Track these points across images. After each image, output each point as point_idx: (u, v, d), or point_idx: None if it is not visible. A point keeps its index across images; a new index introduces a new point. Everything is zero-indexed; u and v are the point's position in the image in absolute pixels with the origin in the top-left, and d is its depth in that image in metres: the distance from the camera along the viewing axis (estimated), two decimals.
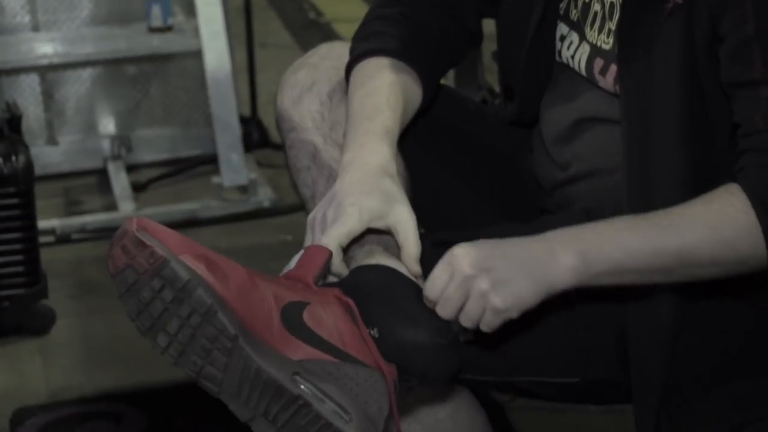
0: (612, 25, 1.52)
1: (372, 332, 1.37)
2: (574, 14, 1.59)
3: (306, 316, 1.34)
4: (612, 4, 1.52)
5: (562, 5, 1.61)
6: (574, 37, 1.60)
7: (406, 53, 1.59)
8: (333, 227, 1.43)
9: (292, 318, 1.34)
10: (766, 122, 1.37)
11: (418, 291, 1.41)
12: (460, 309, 1.36)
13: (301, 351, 1.32)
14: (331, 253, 1.42)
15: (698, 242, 1.36)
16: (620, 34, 1.48)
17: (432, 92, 1.65)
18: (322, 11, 4.72)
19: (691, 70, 1.42)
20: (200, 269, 1.29)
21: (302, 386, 1.30)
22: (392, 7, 1.65)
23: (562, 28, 1.62)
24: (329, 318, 1.35)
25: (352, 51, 1.62)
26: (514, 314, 1.37)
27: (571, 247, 1.36)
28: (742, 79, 1.39)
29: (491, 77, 3.12)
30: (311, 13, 4.71)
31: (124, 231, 1.30)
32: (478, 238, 1.42)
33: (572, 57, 1.60)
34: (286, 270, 1.43)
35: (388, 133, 1.52)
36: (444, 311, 1.37)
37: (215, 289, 1.29)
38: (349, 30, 4.41)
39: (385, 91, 1.55)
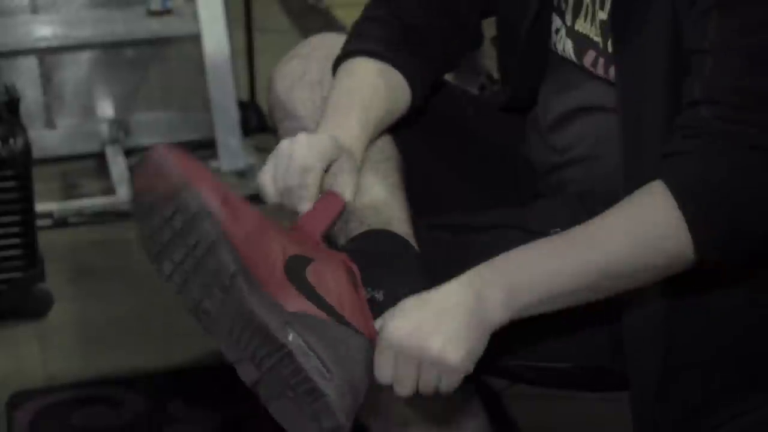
0: (603, 14, 1.52)
1: (377, 295, 1.38)
2: (565, 6, 1.60)
3: (309, 271, 1.35)
4: None
5: None
6: (564, 30, 1.60)
7: (389, 54, 1.60)
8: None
9: (296, 271, 1.34)
10: (704, 92, 1.34)
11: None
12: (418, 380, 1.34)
13: (298, 303, 1.32)
14: (345, 205, 1.44)
15: (621, 253, 1.33)
16: (613, 23, 1.49)
17: (424, 91, 1.64)
18: None
19: (679, 54, 1.41)
20: (214, 204, 1.30)
21: (290, 336, 1.30)
22: (381, 8, 1.65)
23: (557, 21, 1.62)
24: (332, 280, 1.36)
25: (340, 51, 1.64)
26: (470, 367, 1.35)
27: (497, 284, 1.33)
28: (695, 46, 1.37)
29: (490, 63, 3.11)
30: None
31: (151, 154, 1.33)
32: (475, 222, 1.42)
33: (564, 49, 1.61)
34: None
35: (360, 128, 1.53)
36: (403, 390, 1.35)
37: (225, 225, 1.30)
38: (348, 15, 4.43)
39: (364, 91, 1.56)
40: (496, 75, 2.80)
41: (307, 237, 1.40)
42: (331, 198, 1.44)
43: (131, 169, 1.38)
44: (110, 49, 3.29)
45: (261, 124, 3.44)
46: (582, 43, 1.57)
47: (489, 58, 3.12)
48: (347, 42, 1.64)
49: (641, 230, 1.33)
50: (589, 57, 1.56)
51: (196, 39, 3.21)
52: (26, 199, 2.48)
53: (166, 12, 3.22)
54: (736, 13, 1.34)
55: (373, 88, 1.56)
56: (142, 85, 3.34)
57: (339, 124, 1.51)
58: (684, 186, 1.32)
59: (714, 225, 1.33)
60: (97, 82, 3.31)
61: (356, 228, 1.48)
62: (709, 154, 1.33)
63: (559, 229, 1.47)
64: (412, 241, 1.48)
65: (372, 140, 1.55)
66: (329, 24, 4.39)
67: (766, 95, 1.33)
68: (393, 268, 1.41)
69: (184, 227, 1.30)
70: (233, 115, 3.17)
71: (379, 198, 1.52)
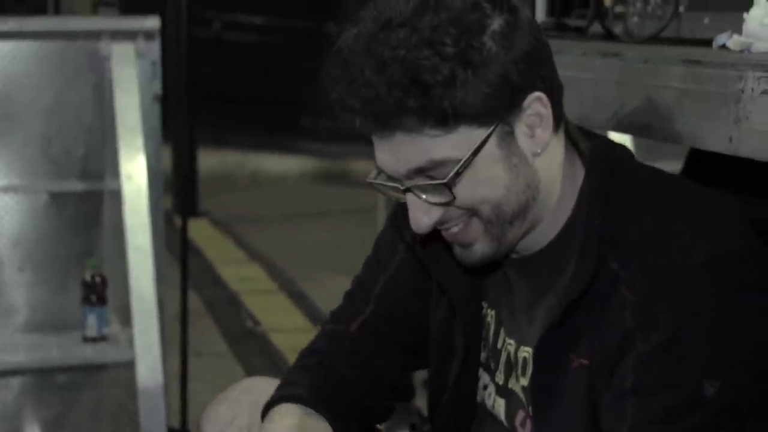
0: (525, 381, 1.55)
1: None
2: (493, 365, 1.63)
3: None
4: (525, 360, 1.56)
5: (483, 355, 1.64)
6: (493, 388, 1.62)
7: (314, 400, 1.62)
8: None
9: None
10: None
11: None
12: None
13: None
14: None
15: None
16: (533, 388, 1.52)
17: None
18: (259, 320, 4.76)
19: (595, 424, 1.44)
20: None
21: None
22: (313, 357, 1.69)
23: (485, 377, 1.64)
24: None
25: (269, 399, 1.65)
26: None
27: None
28: (612, 429, 1.40)
29: (421, 402, 3.12)
30: (248, 321, 4.74)
31: None
32: None
33: (493, 407, 1.62)
34: None
35: None
36: None
37: None
38: (285, 341, 4.46)
39: None
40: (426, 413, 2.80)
41: None
42: None
43: None
44: (42, 373, 3.26)
45: None
46: (515, 402, 1.59)
47: (420, 398, 3.14)
48: (278, 389, 1.66)
49: None
50: (519, 417, 1.58)
51: (129, 364, 3.20)
52: None
53: (101, 338, 3.22)
54: (652, 401, 1.39)
55: None
56: (72, 409, 3.31)
57: None
58: None
59: None
60: (26, 406, 3.27)
61: None
62: None
63: None
64: None
65: None
66: (266, 349, 4.41)
67: None
68: None
69: None
70: None
71: None
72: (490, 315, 1.62)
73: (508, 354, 1.58)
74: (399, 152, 1.43)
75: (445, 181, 1.42)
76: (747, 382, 1.40)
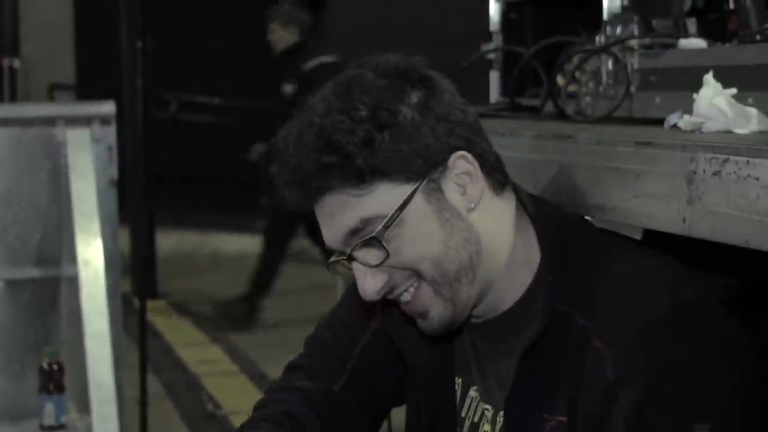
0: None
1: None
2: None
3: None
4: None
5: (459, 430, 1.62)
6: None
7: None
8: None
9: None
10: None
11: None
12: None
13: None
14: None
15: None
16: None
17: None
18: (220, 403, 4.71)
19: None
20: None
21: None
22: (288, 421, 1.62)
23: None
24: None
25: None
26: None
27: None
28: None
29: None
30: (209, 405, 4.70)
31: None
32: None
33: None
34: None
35: None
36: None
37: None
38: None
39: None
40: None
41: None
42: None
43: None
44: None
45: None
46: None
47: None
48: None
49: None
50: None
51: None
52: None
53: (59, 427, 3.17)
54: None
55: None
56: None
57: None
58: None
59: None
60: None
61: None
62: None
63: None
64: None
65: None
66: None
67: None
68: None
69: None
70: None
71: None
72: (464, 387, 1.61)
73: (486, 421, 1.56)
74: (332, 217, 1.48)
75: (374, 234, 1.46)
76: (737, 419, 1.40)
